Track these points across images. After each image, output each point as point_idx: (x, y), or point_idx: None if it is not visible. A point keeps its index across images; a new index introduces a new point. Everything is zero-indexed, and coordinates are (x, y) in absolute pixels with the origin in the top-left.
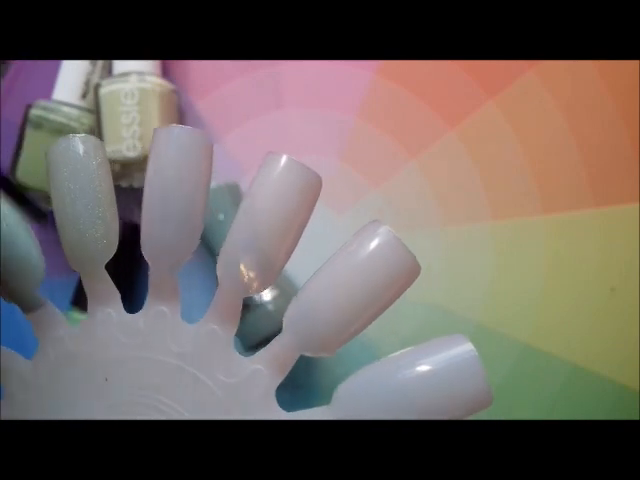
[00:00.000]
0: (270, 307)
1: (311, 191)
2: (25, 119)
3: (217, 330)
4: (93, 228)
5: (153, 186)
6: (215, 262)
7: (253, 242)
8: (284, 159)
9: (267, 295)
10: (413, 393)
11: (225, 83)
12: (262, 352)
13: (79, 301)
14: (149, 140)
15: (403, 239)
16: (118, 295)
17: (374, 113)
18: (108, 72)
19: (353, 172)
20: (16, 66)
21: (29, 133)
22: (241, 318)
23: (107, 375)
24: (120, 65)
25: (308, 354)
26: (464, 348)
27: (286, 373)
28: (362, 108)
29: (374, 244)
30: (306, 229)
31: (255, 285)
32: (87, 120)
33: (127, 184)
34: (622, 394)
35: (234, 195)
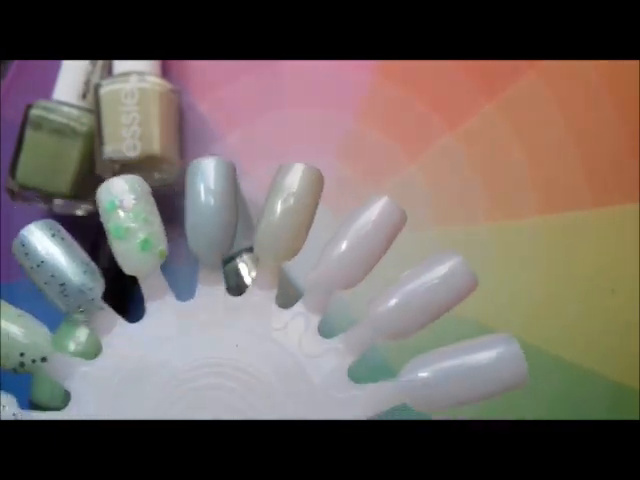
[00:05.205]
0: None
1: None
2: (25, 119)
3: (306, 314)
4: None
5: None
6: None
7: (346, 266)
8: (399, 212)
9: None
10: None
11: (225, 83)
12: (342, 335)
13: None
14: (149, 140)
15: (403, 239)
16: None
17: (374, 113)
18: (108, 72)
19: (352, 172)
20: (16, 66)
21: (29, 133)
22: None
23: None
24: (120, 65)
25: (377, 341)
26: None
27: (359, 356)
28: (362, 108)
29: (448, 272)
30: None
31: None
32: (87, 120)
33: None
34: (620, 393)
35: None
